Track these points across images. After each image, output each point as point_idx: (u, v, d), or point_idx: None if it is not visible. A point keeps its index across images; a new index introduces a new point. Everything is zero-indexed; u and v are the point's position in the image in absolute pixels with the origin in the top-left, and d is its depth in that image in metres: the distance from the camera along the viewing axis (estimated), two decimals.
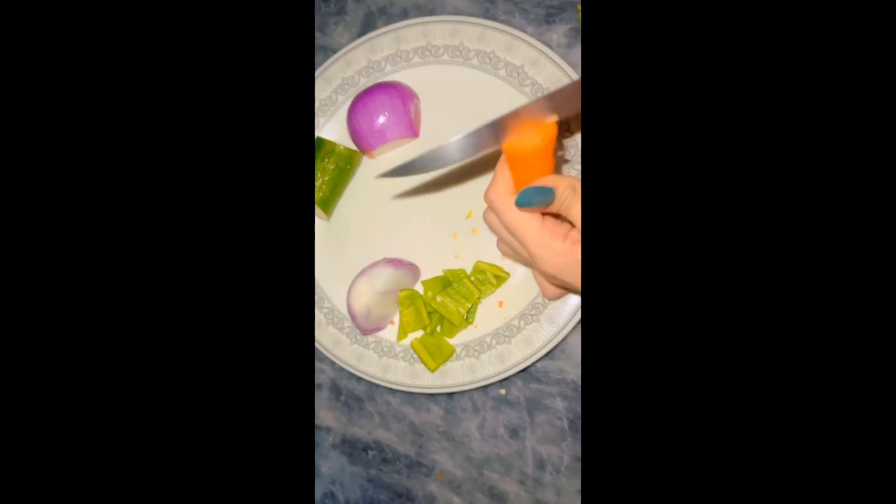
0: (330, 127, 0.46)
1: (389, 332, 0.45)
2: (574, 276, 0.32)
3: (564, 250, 0.31)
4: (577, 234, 0.31)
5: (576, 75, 0.41)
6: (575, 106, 0.31)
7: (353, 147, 0.45)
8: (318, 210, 0.45)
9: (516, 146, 0.31)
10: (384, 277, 0.43)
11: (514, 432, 0.44)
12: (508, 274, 0.43)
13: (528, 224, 0.32)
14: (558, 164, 0.42)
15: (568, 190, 0.31)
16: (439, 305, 0.42)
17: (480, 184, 0.44)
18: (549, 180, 0.31)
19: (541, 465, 0.44)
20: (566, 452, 0.43)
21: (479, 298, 0.43)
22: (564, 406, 0.43)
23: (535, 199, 0.31)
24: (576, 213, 0.31)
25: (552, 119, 0.31)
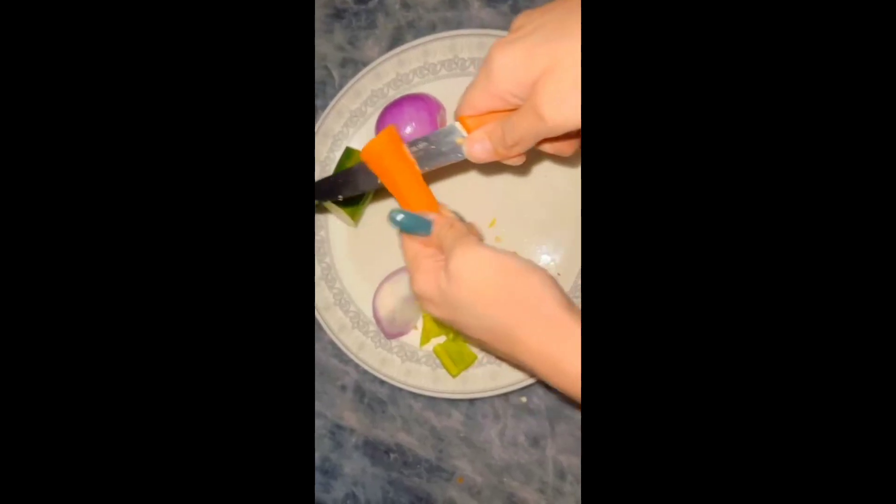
0: (359, 137, 0.48)
1: (413, 337, 0.46)
2: (433, 308, 0.32)
3: (436, 281, 0.31)
4: (444, 273, 0.31)
5: None
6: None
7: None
8: (346, 217, 0.47)
9: (366, 150, 0.35)
10: (409, 283, 0.44)
11: (535, 441, 0.44)
12: None
13: (412, 244, 0.33)
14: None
15: (445, 226, 0.32)
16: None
17: (504, 192, 0.45)
18: (429, 214, 0.33)
19: (561, 474, 0.43)
20: None
21: None
22: None
23: (411, 225, 0.32)
24: (447, 245, 0.32)
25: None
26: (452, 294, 0.30)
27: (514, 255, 0.31)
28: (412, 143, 0.35)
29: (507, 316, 0.29)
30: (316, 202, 0.42)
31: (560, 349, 0.28)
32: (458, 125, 0.34)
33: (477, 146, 0.33)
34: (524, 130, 0.31)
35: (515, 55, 0.29)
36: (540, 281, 0.29)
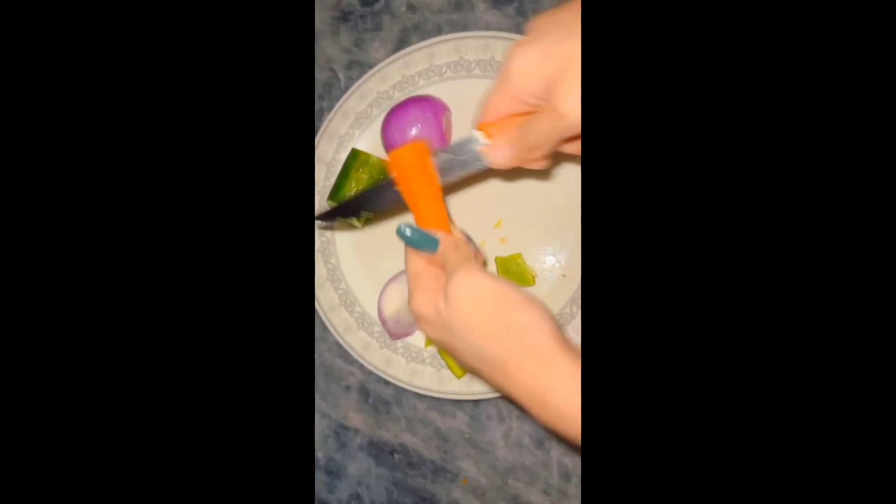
0: (365, 138, 0.48)
1: (418, 338, 0.46)
2: (428, 328, 0.32)
3: (434, 302, 0.31)
4: (444, 295, 0.31)
5: None
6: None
7: (387, 158, 0.47)
8: (351, 218, 0.47)
9: (393, 156, 0.35)
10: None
11: (540, 442, 0.44)
12: (534, 283, 0.43)
13: (417, 260, 0.34)
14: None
15: (450, 247, 0.33)
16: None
17: (509, 194, 0.45)
18: (437, 233, 0.33)
19: (566, 476, 0.43)
20: None
21: None
22: None
23: (419, 241, 0.33)
24: (450, 267, 0.32)
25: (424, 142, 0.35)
26: (448, 317, 0.30)
27: (514, 286, 0.31)
28: (433, 155, 0.35)
29: (499, 346, 0.29)
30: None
31: (548, 384, 0.28)
32: (478, 134, 0.34)
33: (499, 153, 0.33)
34: (545, 130, 0.31)
35: (531, 56, 0.30)
36: (536, 315, 0.29)
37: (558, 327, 0.30)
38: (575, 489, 0.43)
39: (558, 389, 0.27)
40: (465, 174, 0.35)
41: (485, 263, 0.34)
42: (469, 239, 0.35)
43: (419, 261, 0.34)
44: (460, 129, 0.46)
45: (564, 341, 0.29)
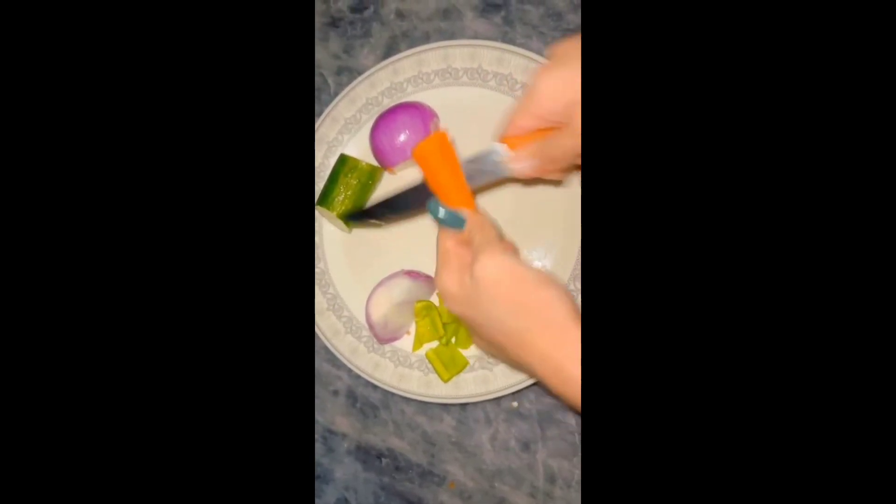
0: (354, 144, 0.49)
1: (405, 342, 0.46)
2: (453, 304, 0.35)
3: (460, 279, 0.34)
4: (470, 274, 0.33)
5: None
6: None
7: (375, 163, 0.47)
8: (339, 223, 0.47)
9: (417, 148, 0.37)
10: (402, 289, 0.45)
11: (526, 445, 0.44)
12: None
13: (446, 239, 0.36)
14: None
15: (476, 225, 0.35)
16: (454, 317, 0.43)
17: (496, 200, 0.46)
18: (464, 211, 0.36)
19: (552, 479, 0.44)
20: (577, 467, 0.43)
21: None
22: (576, 421, 0.43)
23: (448, 219, 0.36)
24: (476, 246, 0.35)
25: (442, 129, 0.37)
26: (474, 295, 0.33)
27: (534, 268, 0.33)
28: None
29: (520, 321, 0.32)
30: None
31: (565, 354, 0.30)
32: (500, 146, 0.37)
33: (522, 163, 0.37)
34: (566, 147, 0.34)
35: (556, 80, 0.34)
36: (554, 295, 0.32)
37: (574, 306, 0.32)
38: (561, 491, 0.43)
39: (573, 359, 0.30)
40: (487, 181, 0.38)
41: (515, 251, 0.37)
42: (497, 225, 0.38)
43: (448, 240, 0.36)
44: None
45: (579, 319, 0.32)
